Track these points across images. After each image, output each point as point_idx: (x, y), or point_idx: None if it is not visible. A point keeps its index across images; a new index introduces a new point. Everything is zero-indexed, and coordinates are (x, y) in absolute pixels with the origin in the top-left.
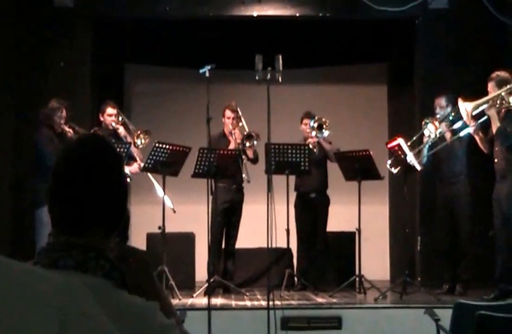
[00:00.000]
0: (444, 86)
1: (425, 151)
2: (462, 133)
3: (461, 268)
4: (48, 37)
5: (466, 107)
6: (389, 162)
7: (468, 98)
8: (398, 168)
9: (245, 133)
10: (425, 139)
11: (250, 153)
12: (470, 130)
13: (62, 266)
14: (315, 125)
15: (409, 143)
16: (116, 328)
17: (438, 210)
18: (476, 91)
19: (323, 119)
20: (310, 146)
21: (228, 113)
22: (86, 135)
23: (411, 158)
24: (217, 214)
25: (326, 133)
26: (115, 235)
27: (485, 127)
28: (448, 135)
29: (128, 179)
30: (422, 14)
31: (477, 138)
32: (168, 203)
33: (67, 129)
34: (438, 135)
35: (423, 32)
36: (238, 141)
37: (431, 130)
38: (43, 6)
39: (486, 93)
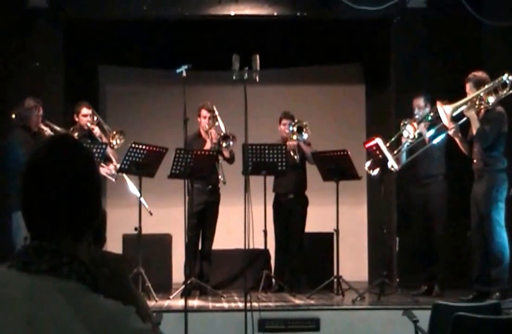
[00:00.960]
0: (420, 85)
1: (403, 157)
2: (435, 141)
3: (436, 268)
4: (22, 38)
5: (445, 110)
6: (367, 164)
7: (445, 98)
8: (377, 170)
9: (222, 133)
10: (403, 140)
11: (226, 153)
12: (450, 132)
13: (35, 270)
14: (295, 129)
15: (387, 144)
16: (89, 333)
17: (413, 210)
18: (452, 91)
19: (303, 122)
20: (291, 153)
21: (204, 112)
22: (56, 137)
23: (389, 158)
24: (193, 215)
25: (305, 136)
26: (90, 239)
27: (463, 129)
28: (426, 139)
29: (113, 179)
30: (400, 13)
31: (457, 139)
32: (144, 204)
33: (44, 127)
34: (416, 136)
35: (401, 31)
36: (214, 141)
37: (409, 131)
38: (17, 6)
39: (462, 92)
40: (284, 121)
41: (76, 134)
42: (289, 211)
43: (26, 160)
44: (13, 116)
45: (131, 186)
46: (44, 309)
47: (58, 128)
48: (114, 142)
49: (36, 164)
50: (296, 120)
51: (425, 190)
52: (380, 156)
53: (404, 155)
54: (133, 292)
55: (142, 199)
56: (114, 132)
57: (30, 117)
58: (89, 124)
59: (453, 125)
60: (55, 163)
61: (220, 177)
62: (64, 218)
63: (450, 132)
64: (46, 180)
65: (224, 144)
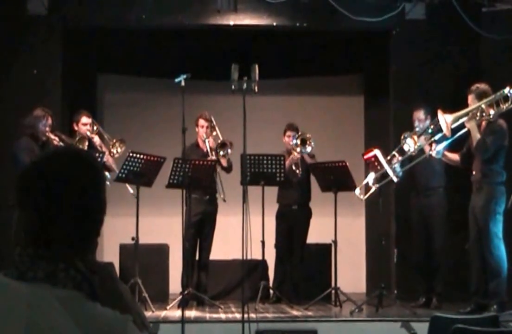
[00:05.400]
0: (420, 97)
1: (397, 167)
2: (438, 148)
3: (435, 280)
4: (20, 45)
5: (446, 119)
6: (357, 191)
7: (444, 110)
8: (367, 195)
9: (219, 141)
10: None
11: (223, 162)
12: (432, 154)
13: (31, 278)
14: (298, 141)
15: (388, 158)
16: None
17: (413, 222)
18: (451, 103)
19: (307, 135)
20: (293, 167)
21: (201, 122)
22: (69, 148)
23: (387, 169)
24: (190, 225)
25: (309, 148)
26: (87, 249)
27: (461, 141)
28: (427, 149)
29: (108, 182)
30: (399, 25)
31: (444, 159)
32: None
33: (52, 137)
34: (417, 150)
35: (400, 43)
36: (211, 146)
37: (410, 145)
38: (16, 13)
39: (461, 104)
40: (288, 132)
41: (81, 143)
42: (292, 222)
43: (30, 167)
44: (21, 125)
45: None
46: (44, 316)
47: (67, 139)
48: (114, 150)
49: (41, 173)
50: (300, 133)
51: (425, 202)
52: (379, 167)
53: (398, 170)
54: (128, 300)
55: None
56: (114, 140)
57: (37, 126)
58: (88, 133)
59: (432, 148)
60: (61, 174)
61: (221, 195)
62: (62, 228)
63: (433, 154)
64: (48, 190)
65: (221, 153)
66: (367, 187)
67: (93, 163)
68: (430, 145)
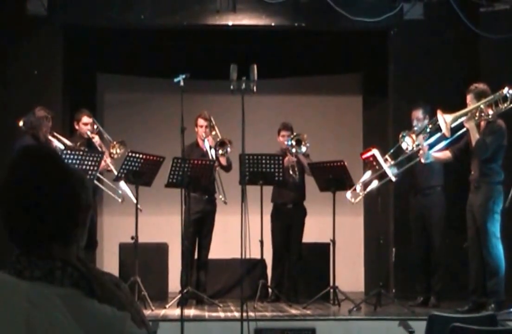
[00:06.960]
0: (418, 96)
1: (394, 170)
2: (432, 150)
3: (434, 279)
4: (20, 45)
5: (445, 119)
6: (349, 195)
7: (443, 109)
8: (358, 199)
9: (218, 139)
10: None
11: (223, 160)
12: (422, 160)
13: (28, 277)
14: (293, 142)
15: (386, 157)
16: None
17: (412, 221)
18: (450, 103)
19: (302, 135)
20: (290, 171)
21: (200, 121)
22: (29, 149)
23: (385, 169)
24: (189, 224)
25: (304, 148)
26: (79, 243)
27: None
28: (425, 149)
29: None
30: (397, 25)
31: (436, 161)
32: (129, 194)
33: (51, 139)
34: (415, 148)
35: (398, 43)
36: (211, 145)
37: (408, 143)
38: (17, 13)
39: (460, 104)
40: (283, 132)
41: (79, 144)
42: (288, 221)
43: (4, 175)
44: (21, 123)
45: (122, 184)
46: (44, 312)
47: (65, 141)
48: (114, 151)
49: (12, 178)
50: (294, 133)
51: (424, 201)
52: (377, 167)
53: (395, 172)
54: (127, 299)
55: (129, 193)
56: (115, 142)
57: (40, 126)
58: (89, 133)
59: (421, 152)
60: (26, 175)
61: (221, 197)
62: (44, 226)
63: (422, 160)
64: (21, 192)
65: (220, 151)
66: (364, 187)
67: (58, 161)
68: (418, 151)
